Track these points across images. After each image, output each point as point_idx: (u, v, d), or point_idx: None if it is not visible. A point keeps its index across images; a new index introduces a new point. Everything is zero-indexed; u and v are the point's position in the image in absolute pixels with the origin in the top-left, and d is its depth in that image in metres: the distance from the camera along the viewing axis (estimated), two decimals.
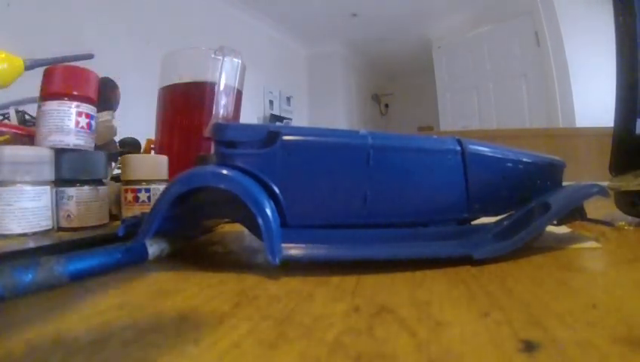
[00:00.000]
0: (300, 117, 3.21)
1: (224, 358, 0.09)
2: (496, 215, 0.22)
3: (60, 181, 0.30)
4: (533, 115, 2.37)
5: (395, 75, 4.02)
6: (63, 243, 0.23)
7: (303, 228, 0.19)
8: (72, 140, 0.32)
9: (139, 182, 0.34)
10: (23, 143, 0.36)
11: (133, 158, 0.36)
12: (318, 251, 0.18)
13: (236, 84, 0.48)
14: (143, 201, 0.34)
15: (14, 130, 0.38)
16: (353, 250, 0.19)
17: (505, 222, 0.21)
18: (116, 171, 0.44)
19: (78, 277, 0.16)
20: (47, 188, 0.29)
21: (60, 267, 0.15)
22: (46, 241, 0.24)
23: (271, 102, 2.91)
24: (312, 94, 3.38)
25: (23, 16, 1.38)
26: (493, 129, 2.35)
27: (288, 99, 3.11)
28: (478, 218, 0.22)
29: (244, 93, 0.50)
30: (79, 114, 0.32)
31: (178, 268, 0.19)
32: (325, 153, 0.19)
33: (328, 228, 0.19)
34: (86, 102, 0.33)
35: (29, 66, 0.40)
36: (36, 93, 0.33)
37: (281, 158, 0.19)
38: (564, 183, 0.24)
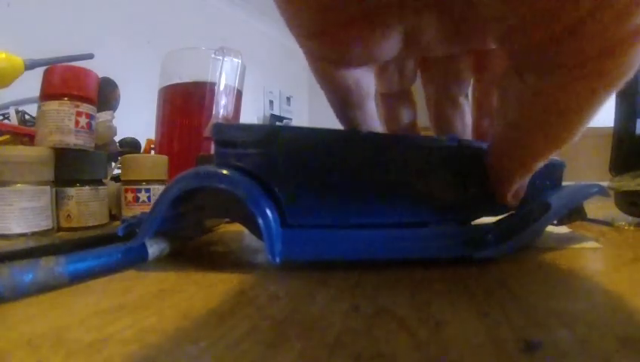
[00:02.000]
0: (300, 117, 3.20)
1: (224, 358, 0.09)
2: (496, 215, 0.22)
3: (60, 181, 0.30)
4: None
5: None
6: (63, 243, 0.23)
7: (302, 228, 0.19)
8: (72, 140, 0.32)
9: (139, 182, 0.34)
10: (23, 143, 0.36)
11: (133, 158, 0.36)
12: (318, 251, 0.18)
13: (236, 84, 0.48)
14: (143, 201, 0.34)
15: (14, 130, 0.38)
16: (353, 250, 0.19)
17: (505, 222, 0.21)
18: (116, 171, 0.44)
19: (78, 277, 0.16)
20: (47, 188, 0.29)
21: (59, 267, 0.15)
22: (46, 241, 0.24)
23: (271, 102, 2.91)
24: (312, 94, 3.38)
25: (23, 16, 1.38)
26: None
27: (288, 99, 3.11)
28: (478, 218, 0.22)
29: (244, 93, 0.50)
30: (79, 114, 0.32)
31: (178, 268, 0.19)
32: (325, 153, 0.19)
33: (328, 228, 0.19)
34: (86, 102, 0.33)
35: (29, 66, 0.40)
36: (36, 93, 0.33)
37: (281, 158, 0.19)
38: (564, 183, 0.24)
